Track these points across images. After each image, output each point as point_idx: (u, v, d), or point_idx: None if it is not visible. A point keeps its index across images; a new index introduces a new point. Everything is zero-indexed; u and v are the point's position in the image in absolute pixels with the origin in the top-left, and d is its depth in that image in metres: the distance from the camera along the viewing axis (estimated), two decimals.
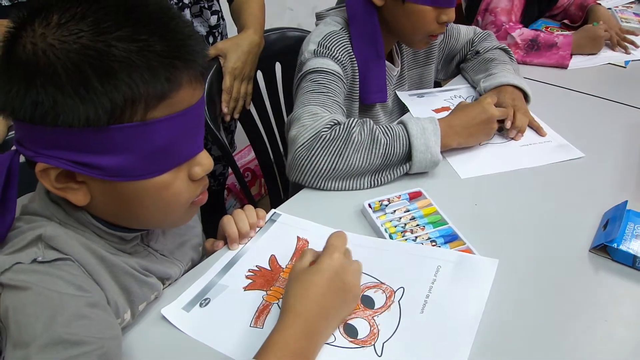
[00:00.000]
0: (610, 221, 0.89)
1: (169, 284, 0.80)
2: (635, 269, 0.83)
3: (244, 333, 0.72)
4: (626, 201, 0.91)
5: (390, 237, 0.85)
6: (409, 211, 0.90)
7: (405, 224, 0.88)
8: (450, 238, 0.85)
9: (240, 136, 1.56)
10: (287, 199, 1.00)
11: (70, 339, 0.55)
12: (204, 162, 0.66)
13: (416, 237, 0.85)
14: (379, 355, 0.69)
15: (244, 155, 2.26)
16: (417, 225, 0.87)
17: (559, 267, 0.83)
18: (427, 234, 0.85)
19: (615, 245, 0.83)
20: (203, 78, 0.64)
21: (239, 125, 1.51)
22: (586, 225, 0.91)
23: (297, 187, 1.01)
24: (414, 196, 0.94)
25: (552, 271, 0.82)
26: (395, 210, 0.90)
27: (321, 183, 0.98)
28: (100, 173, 0.59)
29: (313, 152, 0.95)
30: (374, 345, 0.70)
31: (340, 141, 0.96)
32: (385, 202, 0.91)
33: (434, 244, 0.84)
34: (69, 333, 0.55)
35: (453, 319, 0.72)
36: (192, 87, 0.61)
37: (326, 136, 0.96)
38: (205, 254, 0.88)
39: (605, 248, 0.85)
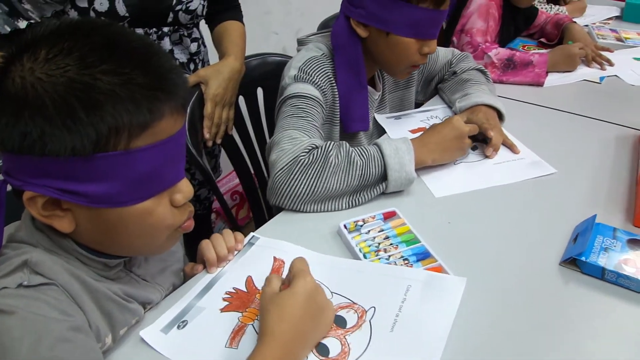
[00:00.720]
0: (580, 235, 0.92)
1: (150, 308, 0.82)
2: (604, 280, 0.85)
3: (219, 354, 0.74)
4: (595, 215, 0.94)
5: (365, 257, 0.88)
6: (382, 231, 0.92)
7: (379, 244, 0.90)
8: (423, 256, 0.87)
9: (227, 160, 1.58)
10: None
11: None
12: (184, 189, 0.69)
13: (389, 256, 0.87)
14: None
15: (232, 178, 2.28)
16: (391, 244, 0.90)
17: (529, 281, 0.85)
18: (400, 252, 0.88)
19: (584, 258, 0.86)
20: (184, 109, 0.67)
21: (223, 150, 1.53)
22: (557, 240, 0.94)
23: (280, 210, 1.04)
24: (388, 216, 0.96)
25: (522, 285, 0.84)
26: (369, 230, 0.93)
27: (300, 206, 1.00)
28: (86, 200, 0.61)
29: (292, 176, 0.98)
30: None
31: (318, 165, 0.98)
32: (360, 223, 0.94)
33: (406, 262, 0.86)
34: (53, 356, 0.57)
35: (421, 336, 0.74)
36: (174, 117, 0.64)
37: (304, 160, 0.99)
38: (186, 277, 0.90)
39: (574, 261, 0.87)
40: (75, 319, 0.63)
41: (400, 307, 0.78)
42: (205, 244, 0.88)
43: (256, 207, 1.55)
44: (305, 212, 1.00)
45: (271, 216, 1.03)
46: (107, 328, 0.71)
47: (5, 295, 0.60)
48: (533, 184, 1.11)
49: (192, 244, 0.99)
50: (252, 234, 0.95)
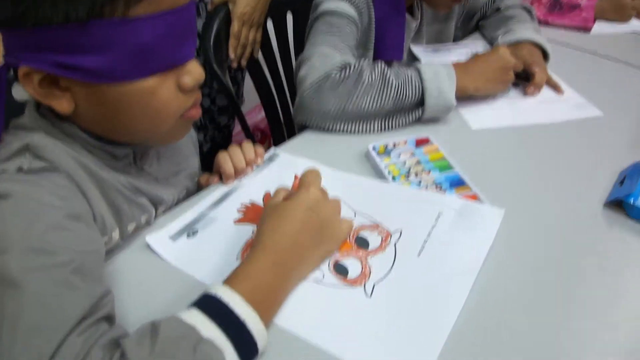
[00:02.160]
0: (628, 177, 0.84)
1: (163, 212, 0.77)
2: None
3: (229, 265, 0.68)
4: None
5: (394, 180, 0.81)
6: (414, 155, 0.85)
7: (410, 168, 0.83)
8: (457, 183, 0.80)
9: (250, 95, 1.51)
10: None
11: (44, 248, 0.51)
12: (194, 70, 0.63)
13: (420, 181, 0.80)
14: (369, 296, 0.64)
15: (254, 115, 2.21)
16: (423, 169, 0.83)
17: (570, 221, 0.78)
18: (432, 178, 0.81)
19: (632, 200, 0.78)
20: None
21: (247, 83, 1.46)
22: (601, 182, 0.86)
23: None
24: (421, 142, 0.89)
25: (562, 225, 0.77)
26: (400, 154, 0.86)
27: (329, 124, 0.93)
28: (83, 75, 0.56)
29: (322, 92, 0.91)
30: (364, 285, 0.66)
31: (350, 82, 0.92)
32: (391, 146, 0.87)
33: (438, 188, 0.79)
34: (44, 242, 0.52)
35: (451, 266, 0.68)
36: None
37: (336, 77, 0.92)
38: (200, 188, 0.84)
39: (621, 204, 0.80)
40: (75, 206, 0.59)
41: (429, 233, 0.72)
42: (223, 156, 0.82)
43: (279, 142, 1.47)
44: (334, 131, 0.93)
45: None
46: (113, 221, 0.66)
47: (2, 179, 0.56)
48: (577, 126, 1.02)
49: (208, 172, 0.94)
50: (273, 149, 0.89)
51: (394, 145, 0.87)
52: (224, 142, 1.58)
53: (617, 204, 0.80)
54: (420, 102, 0.95)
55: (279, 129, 1.47)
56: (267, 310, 0.58)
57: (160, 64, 0.59)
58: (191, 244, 0.72)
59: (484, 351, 0.58)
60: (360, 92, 0.91)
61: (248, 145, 0.84)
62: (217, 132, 1.54)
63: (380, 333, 0.59)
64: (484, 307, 0.63)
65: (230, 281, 0.57)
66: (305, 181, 0.68)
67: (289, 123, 1.47)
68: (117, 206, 0.67)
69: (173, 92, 0.62)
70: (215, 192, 0.81)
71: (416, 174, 0.81)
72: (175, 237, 0.73)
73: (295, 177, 0.83)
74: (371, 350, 0.58)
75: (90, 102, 0.59)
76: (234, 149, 0.82)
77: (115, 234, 0.67)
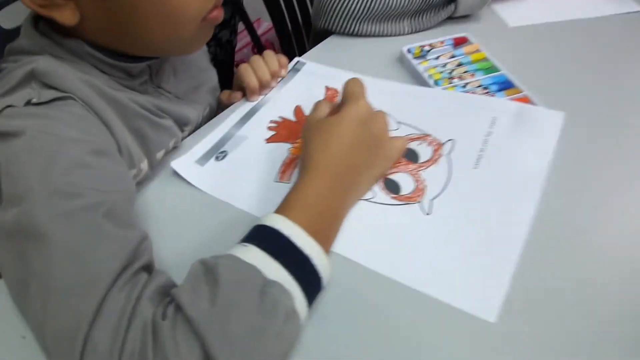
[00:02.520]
0: None
1: (188, 134, 0.69)
2: None
3: (267, 188, 0.62)
4: None
5: (436, 84, 0.73)
6: (454, 57, 0.77)
7: (452, 71, 0.75)
8: (505, 85, 0.72)
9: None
10: None
11: (68, 190, 0.43)
12: None
13: (466, 84, 0.73)
14: (427, 213, 0.58)
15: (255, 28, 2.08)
16: (466, 71, 0.75)
17: (628, 121, 0.71)
18: (477, 80, 0.73)
19: None
20: None
21: None
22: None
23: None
24: (460, 42, 0.80)
25: (622, 124, 0.70)
26: (439, 56, 0.78)
27: (354, 26, 0.84)
28: None
29: None
30: (420, 202, 0.60)
31: None
32: (427, 48, 0.78)
33: (486, 91, 0.72)
34: (68, 183, 0.44)
35: (514, 175, 0.61)
36: None
37: None
38: (221, 106, 0.76)
39: None
40: (99, 140, 0.51)
41: (485, 141, 0.65)
42: (244, 69, 0.73)
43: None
44: (359, 34, 0.84)
45: None
46: (140, 151, 0.59)
47: (11, 115, 0.47)
48: (621, 21, 0.94)
49: None
50: (297, 58, 0.80)
51: (431, 47, 0.78)
52: (226, 59, 1.48)
53: None
54: None
55: (288, 42, 1.36)
56: (327, 239, 0.51)
57: None
58: (221, 167, 0.65)
59: (559, 260, 0.53)
60: None
61: (270, 55, 0.76)
62: (218, 48, 1.43)
63: (443, 253, 0.54)
64: (554, 219, 0.57)
65: (284, 210, 0.49)
66: (352, 92, 0.60)
67: (297, 34, 1.36)
68: (142, 132, 0.59)
69: None
70: (240, 108, 0.73)
71: (460, 77, 0.73)
72: (203, 160, 0.66)
73: (326, 88, 0.75)
74: (434, 272, 0.52)
75: (98, 9, 0.51)
76: (256, 60, 0.74)
77: (144, 165, 0.60)
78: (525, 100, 0.70)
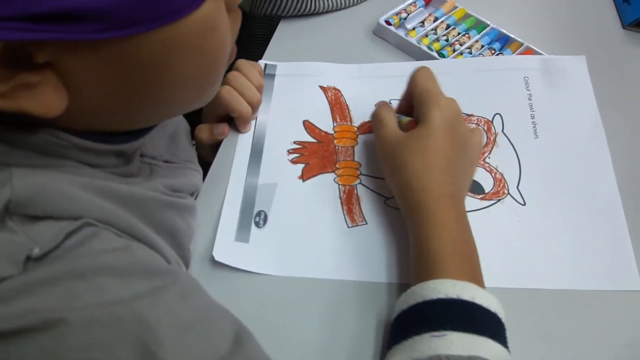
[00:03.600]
0: None
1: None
2: None
3: (342, 241, 0.49)
4: None
5: (441, 55, 0.63)
6: (438, 19, 0.67)
7: (446, 35, 0.65)
8: (504, 40, 0.66)
9: None
10: None
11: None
12: None
13: (470, 49, 0.64)
14: (523, 203, 0.52)
15: None
16: (459, 34, 0.66)
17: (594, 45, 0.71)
18: (478, 42, 0.65)
19: None
20: None
21: None
22: (597, 1, 0.79)
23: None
24: (429, 0, 0.70)
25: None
26: (423, 22, 0.67)
27: (299, 4, 0.67)
28: (98, 26, 0.26)
29: None
30: (509, 193, 0.52)
31: None
32: (404, 15, 0.67)
33: (492, 51, 0.64)
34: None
35: (575, 134, 0.57)
36: None
37: None
38: (201, 147, 0.56)
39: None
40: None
41: (530, 106, 0.59)
42: (228, 93, 0.54)
43: None
44: (308, 12, 0.68)
45: None
46: (173, 252, 0.41)
47: (10, 296, 0.27)
48: None
49: None
50: (263, 62, 0.63)
51: (407, 12, 0.67)
52: None
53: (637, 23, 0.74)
54: None
55: None
56: (481, 274, 0.43)
57: None
58: (270, 235, 0.49)
59: None
60: None
61: (247, 66, 0.57)
62: None
63: (559, 241, 0.50)
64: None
65: (435, 269, 0.41)
66: (428, 91, 0.48)
67: None
68: (171, 226, 0.40)
69: (226, 16, 0.34)
70: (239, 148, 0.55)
71: (460, 43, 0.64)
72: (242, 234, 0.49)
73: (323, 89, 0.60)
74: (563, 264, 0.48)
75: (102, 82, 0.30)
76: (237, 78, 0.55)
77: (182, 269, 0.42)
78: (529, 53, 0.64)
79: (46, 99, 0.28)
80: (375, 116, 0.51)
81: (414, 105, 0.49)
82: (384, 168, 0.49)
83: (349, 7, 0.70)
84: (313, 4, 0.67)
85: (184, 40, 0.30)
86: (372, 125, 0.52)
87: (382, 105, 0.51)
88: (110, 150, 0.36)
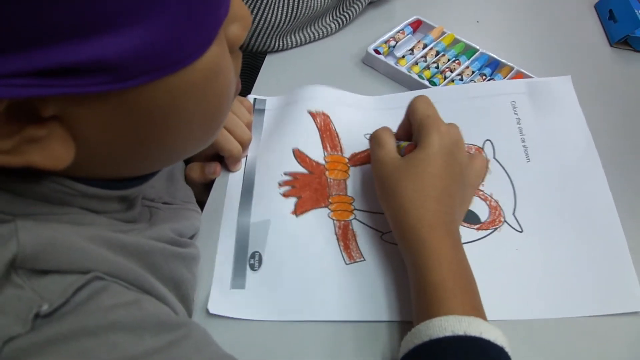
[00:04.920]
0: (615, 11, 0.77)
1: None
2: None
3: (340, 279, 0.48)
4: None
5: (432, 84, 0.63)
6: (427, 46, 0.67)
7: (437, 63, 0.65)
8: (494, 65, 0.66)
9: None
10: None
11: None
12: (241, 12, 0.34)
13: (461, 75, 0.64)
14: (520, 230, 0.51)
15: None
16: (450, 60, 0.65)
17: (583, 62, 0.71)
18: (468, 67, 0.65)
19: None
20: None
21: None
22: (588, 20, 0.79)
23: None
24: (417, 25, 0.70)
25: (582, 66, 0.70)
26: (412, 49, 0.67)
27: (277, 42, 0.67)
28: (102, 80, 0.26)
29: (263, 2, 0.64)
30: (505, 220, 0.52)
31: None
32: (392, 43, 0.67)
33: (484, 77, 0.64)
34: None
35: (569, 156, 0.56)
36: None
37: None
38: (193, 187, 0.55)
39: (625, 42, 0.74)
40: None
41: (520, 130, 0.58)
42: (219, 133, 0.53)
43: None
44: (288, 47, 0.68)
45: None
46: (180, 306, 0.39)
47: (18, 353, 0.26)
48: None
49: None
50: (252, 97, 0.62)
51: (395, 40, 0.67)
52: None
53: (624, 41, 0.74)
54: None
55: None
56: (481, 305, 0.42)
57: (223, 8, 0.30)
58: (266, 278, 0.48)
59: None
60: None
61: (236, 103, 0.56)
62: None
63: (560, 266, 0.49)
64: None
65: (438, 304, 0.40)
66: (427, 116, 0.48)
67: None
68: (177, 278, 0.39)
69: (229, 57, 0.34)
70: (230, 186, 0.54)
71: (451, 69, 0.64)
72: (238, 280, 0.48)
73: (312, 114, 0.59)
74: (566, 291, 0.47)
75: (110, 131, 0.29)
76: (228, 116, 0.54)
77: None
78: (520, 77, 0.64)
79: (54, 152, 0.28)
80: (374, 137, 0.50)
81: (412, 132, 0.49)
82: (378, 191, 0.49)
83: (318, 39, 0.70)
84: (286, 41, 0.67)
85: (191, 86, 0.30)
86: (370, 147, 0.51)
87: (382, 128, 0.51)
88: (114, 195, 0.35)
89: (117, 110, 0.28)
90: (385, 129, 0.51)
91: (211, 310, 0.45)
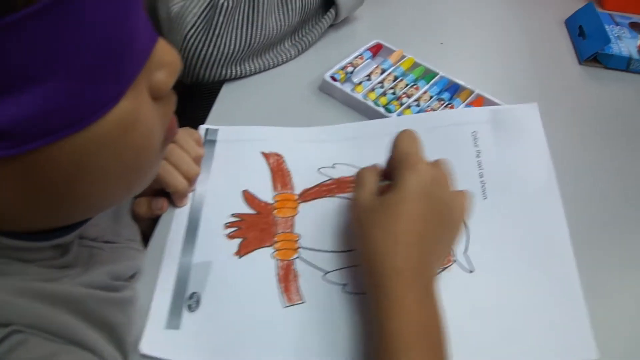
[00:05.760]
0: (585, 27, 0.76)
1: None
2: (629, 71, 0.73)
3: (277, 322, 0.47)
4: (591, 2, 0.79)
5: (388, 112, 0.61)
6: (385, 71, 0.66)
7: (393, 88, 0.64)
8: (453, 89, 0.64)
9: None
10: None
11: None
12: (167, 57, 0.33)
13: (418, 101, 0.62)
14: (470, 270, 0.50)
15: None
16: (407, 85, 0.64)
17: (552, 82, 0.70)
18: (426, 93, 0.63)
19: (609, 51, 0.71)
20: None
21: None
22: (559, 39, 0.77)
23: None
24: (377, 50, 0.69)
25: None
26: (369, 75, 0.65)
27: (232, 70, 0.66)
28: (10, 143, 0.26)
29: (214, 29, 0.63)
30: (456, 259, 0.50)
31: (247, 6, 0.64)
32: (350, 69, 0.65)
33: (442, 102, 0.62)
34: None
35: (527, 191, 0.54)
36: None
37: (226, 4, 0.63)
38: (140, 221, 0.54)
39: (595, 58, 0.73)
40: None
41: (479, 164, 0.56)
42: (162, 167, 0.51)
43: None
44: (243, 75, 0.67)
45: None
46: (113, 350, 0.38)
47: None
48: None
49: None
50: (205, 127, 0.61)
51: (353, 66, 0.66)
52: None
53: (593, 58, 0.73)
54: (330, 1, 0.72)
55: None
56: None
57: (131, 66, 0.30)
58: (203, 319, 0.47)
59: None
60: (264, 14, 0.65)
61: (184, 137, 0.55)
62: None
63: (509, 309, 0.47)
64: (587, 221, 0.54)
65: (395, 356, 0.37)
66: (406, 154, 0.45)
67: None
68: (110, 321, 0.38)
69: (151, 108, 0.33)
70: (174, 224, 0.53)
71: (407, 95, 0.63)
72: (173, 320, 0.47)
73: (265, 155, 0.58)
74: (514, 334, 0.46)
75: (21, 189, 0.29)
76: (173, 151, 0.53)
77: None
78: (480, 101, 0.62)
79: None
80: (357, 176, 0.48)
81: (391, 171, 0.47)
82: (354, 233, 0.47)
83: (277, 65, 0.69)
84: (240, 69, 0.66)
85: (101, 141, 0.29)
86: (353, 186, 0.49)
87: (367, 167, 0.49)
88: (45, 246, 0.35)
89: (26, 173, 0.28)
90: (370, 168, 0.49)
91: (143, 350, 0.44)
